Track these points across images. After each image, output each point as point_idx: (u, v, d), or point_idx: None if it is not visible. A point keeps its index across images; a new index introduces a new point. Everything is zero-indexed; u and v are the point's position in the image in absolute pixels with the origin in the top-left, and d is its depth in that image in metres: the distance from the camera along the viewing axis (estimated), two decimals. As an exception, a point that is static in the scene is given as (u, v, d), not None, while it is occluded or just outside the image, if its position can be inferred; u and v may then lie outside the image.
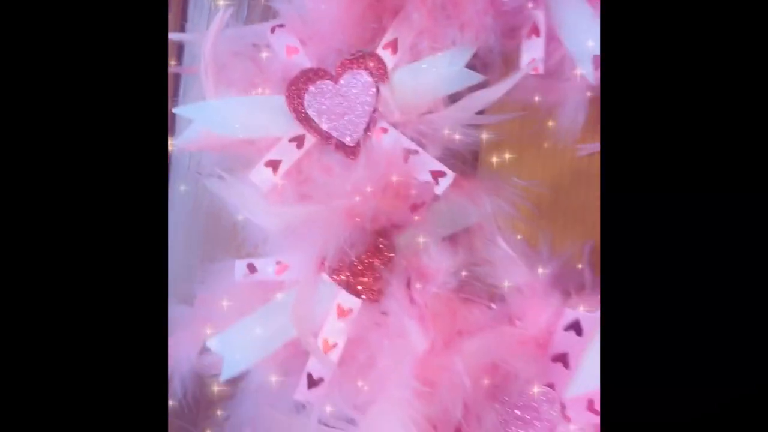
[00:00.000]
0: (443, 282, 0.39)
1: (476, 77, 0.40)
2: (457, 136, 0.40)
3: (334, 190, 0.38)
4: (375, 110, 0.41)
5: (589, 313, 0.35)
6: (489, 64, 0.42)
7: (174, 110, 0.43)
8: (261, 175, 0.40)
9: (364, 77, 0.40)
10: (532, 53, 0.41)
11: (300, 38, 0.42)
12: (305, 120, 0.41)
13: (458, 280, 0.39)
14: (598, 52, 0.39)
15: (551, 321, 0.36)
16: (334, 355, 0.39)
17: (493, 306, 0.38)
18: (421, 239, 0.39)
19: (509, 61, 0.42)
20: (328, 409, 0.39)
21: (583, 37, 0.39)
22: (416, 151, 0.39)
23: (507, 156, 0.42)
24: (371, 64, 0.40)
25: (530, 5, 0.40)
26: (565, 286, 0.38)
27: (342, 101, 0.40)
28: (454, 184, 0.41)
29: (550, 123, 0.42)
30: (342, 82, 0.41)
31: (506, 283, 0.39)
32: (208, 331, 0.42)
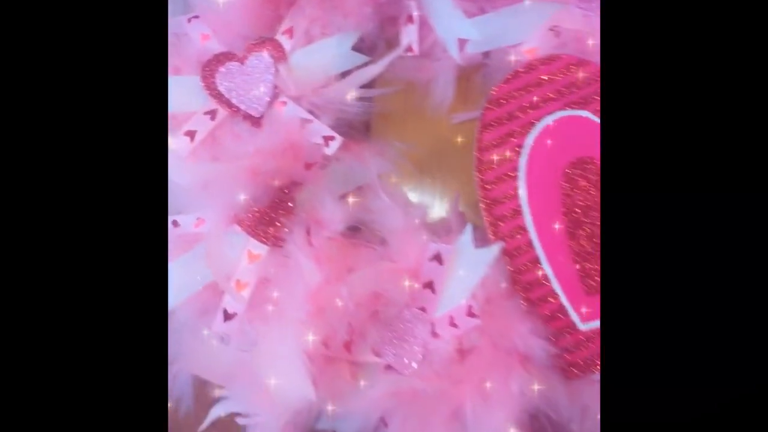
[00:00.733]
0: (336, 229, 0.46)
1: (360, 58, 0.48)
2: (347, 107, 0.48)
3: (241, 152, 0.45)
4: (276, 86, 0.47)
5: (446, 245, 0.43)
6: (374, 47, 0.50)
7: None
8: (180, 142, 0.46)
9: (266, 59, 0.47)
10: (408, 38, 0.49)
11: (212, 27, 0.49)
12: (217, 96, 0.47)
13: (348, 227, 0.47)
14: (466, 35, 0.47)
15: (420, 256, 0.44)
16: (246, 293, 0.46)
17: (376, 248, 0.46)
18: (318, 194, 0.47)
19: (391, 45, 0.50)
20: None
21: (449, 24, 0.47)
22: (310, 120, 0.46)
23: (391, 124, 0.50)
24: (271, 48, 0.47)
25: (402, -1, 0.48)
26: (434, 229, 0.46)
27: (248, 79, 0.47)
28: (347, 148, 0.48)
29: (427, 94, 0.50)
30: (247, 63, 0.48)
31: (391, 228, 0.47)
32: None
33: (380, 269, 0.44)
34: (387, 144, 0.48)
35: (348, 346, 0.44)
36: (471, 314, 0.42)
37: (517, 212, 0.44)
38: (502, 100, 0.44)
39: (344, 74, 0.48)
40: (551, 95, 0.44)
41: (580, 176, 0.43)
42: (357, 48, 0.48)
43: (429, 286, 0.44)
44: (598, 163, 0.44)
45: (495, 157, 0.44)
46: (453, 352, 0.43)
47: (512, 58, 0.46)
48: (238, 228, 0.46)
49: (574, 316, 0.43)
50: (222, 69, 0.47)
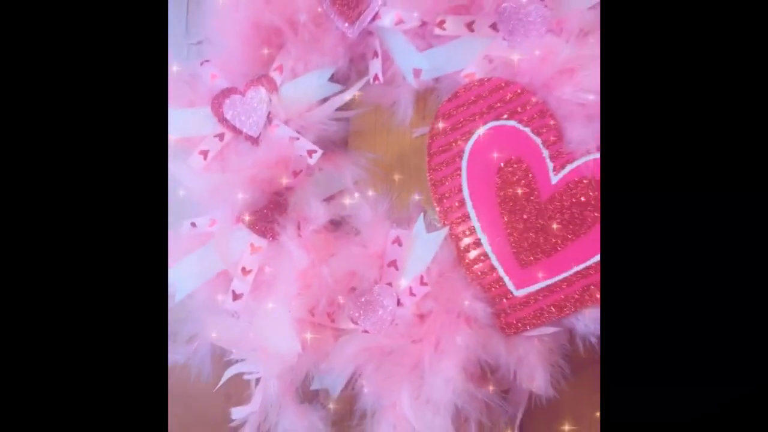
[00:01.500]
0: (320, 224, 0.56)
1: (336, 87, 0.58)
2: (327, 126, 0.59)
3: (243, 165, 0.56)
4: (270, 113, 0.58)
5: (405, 231, 0.53)
6: (347, 78, 0.60)
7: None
8: (196, 159, 0.57)
9: (262, 91, 0.58)
10: (374, 69, 0.60)
11: (219, 68, 0.59)
12: (224, 122, 0.58)
13: (329, 222, 0.57)
14: (419, 65, 0.58)
15: (385, 241, 0.55)
16: (250, 278, 0.57)
17: (352, 237, 0.57)
18: (305, 196, 0.57)
19: (361, 75, 0.60)
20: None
21: (405, 56, 0.58)
22: (297, 138, 0.57)
23: (362, 139, 0.60)
24: (266, 82, 0.58)
25: (369, 39, 0.59)
26: (396, 219, 0.57)
27: (247, 108, 0.58)
28: (327, 159, 0.58)
29: (392, 115, 0.60)
30: (247, 95, 0.58)
31: (363, 221, 0.57)
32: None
33: (355, 253, 0.55)
34: (360, 155, 0.59)
35: (330, 315, 0.55)
36: (423, 283, 0.52)
37: (461, 203, 0.54)
38: (447, 115, 0.54)
39: (324, 100, 0.58)
40: (485, 110, 0.53)
41: (511, 173, 0.53)
42: (333, 79, 0.58)
43: (393, 264, 0.54)
44: (526, 161, 0.54)
45: (442, 161, 0.54)
46: (414, 316, 0.53)
47: (455, 81, 0.56)
48: (242, 225, 0.57)
49: (509, 285, 0.53)
50: (227, 101, 0.58)
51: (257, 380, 0.55)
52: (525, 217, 0.53)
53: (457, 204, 0.54)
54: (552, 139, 0.53)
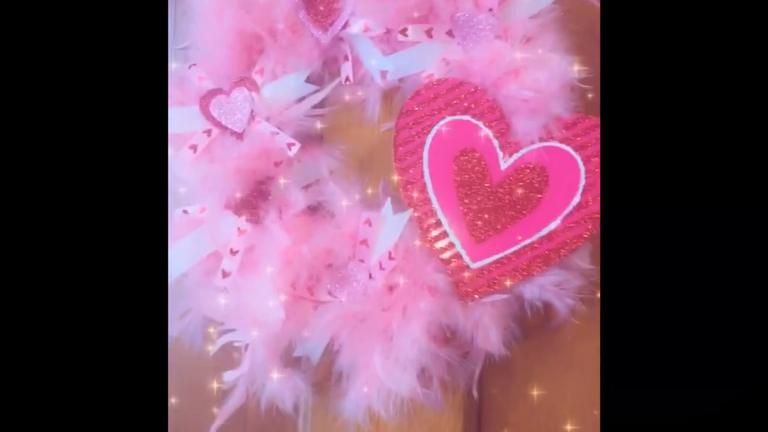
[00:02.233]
0: (299, 208, 0.63)
1: (312, 88, 0.65)
2: (304, 122, 0.66)
3: (229, 157, 0.62)
4: (252, 111, 0.64)
5: (375, 213, 0.60)
6: (321, 79, 0.67)
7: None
8: (186, 153, 0.63)
9: (245, 92, 0.64)
10: (345, 71, 0.67)
11: (205, 71, 0.65)
12: (211, 119, 0.64)
13: (308, 207, 0.64)
14: (384, 67, 0.65)
15: (357, 222, 0.62)
16: (238, 258, 0.63)
17: (328, 219, 0.64)
18: (285, 184, 0.64)
19: (334, 77, 0.67)
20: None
21: (372, 59, 0.65)
22: (277, 132, 0.63)
23: (336, 133, 0.67)
24: (248, 84, 0.64)
25: (340, 44, 0.66)
26: (367, 203, 0.63)
27: (232, 107, 0.64)
28: (305, 151, 0.65)
29: (362, 111, 0.68)
30: (232, 95, 0.64)
31: (337, 205, 0.64)
32: None
33: (331, 234, 0.61)
34: (334, 147, 0.66)
35: (310, 288, 0.61)
36: (391, 258, 0.59)
37: (423, 188, 0.61)
38: (409, 111, 0.61)
39: (301, 99, 0.65)
40: (443, 106, 0.61)
41: (466, 161, 0.61)
42: (309, 80, 0.65)
43: (364, 243, 0.61)
44: (479, 151, 0.61)
45: (407, 151, 0.62)
46: (383, 287, 0.60)
47: (417, 81, 0.63)
48: (229, 212, 0.63)
49: (466, 259, 0.60)
50: (214, 100, 0.64)
51: (245, 347, 0.61)
52: (479, 199, 0.60)
53: (419, 189, 0.61)
54: (501, 131, 0.60)
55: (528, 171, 0.60)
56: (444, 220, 0.60)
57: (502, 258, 0.60)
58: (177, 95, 0.65)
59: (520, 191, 0.60)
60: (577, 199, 0.59)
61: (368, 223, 0.60)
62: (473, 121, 0.61)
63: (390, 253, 0.59)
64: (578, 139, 0.59)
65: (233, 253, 0.62)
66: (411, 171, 0.61)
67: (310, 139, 0.66)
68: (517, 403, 0.67)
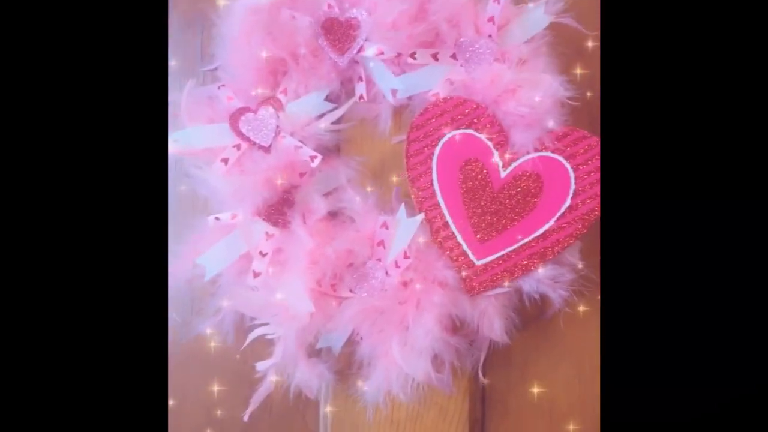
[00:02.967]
0: (321, 214, 0.70)
1: (330, 105, 0.71)
2: (324, 136, 0.73)
3: (257, 169, 0.69)
4: (277, 126, 0.70)
5: (390, 217, 0.68)
6: (338, 98, 0.73)
7: (170, 137, 0.74)
8: (218, 166, 0.69)
9: (271, 110, 0.70)
10: (360, 90, 0.74)
11: (233, 91, 0.71)
12: (240, 135, 0.69)
13: (329, 213, 0.71)
14: (395, 86, 0.72)
15: (374, 225, 0.69)
16: (267, 259, 0.69)
17: (348, 224, 0.71)
18: (309, 193, 0.71)
19: (350, 96, 0.73)
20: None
21: (384, 80, 0.72)
22: (301, 146, 0.69)
23: (353, 145, 0.74)
24: (274, 102, 0.70)
25: (356, 66, 0.73)
26: (383, 208, 0.71)
27: (259, 124, 0.70)
28: (325, 163, 0.71)
29: (375, 126, 0.75)
30: (259, 113, 0.70)
31: (353, 211, 0.70)
32: (197, 256, 0.70)
33: (351, 236, 0.68)
34: (351, 159, 0.72)
35: (333, 286, 0.68)
36: (406, 257, 0.66)
37: (433, 195, 0.68)
38: (419, 126, 0.68)
39: (320, 116, 0.71)
40: (449, 121, 0.68)
41: (470, 170, 0.68)
42: (328, 99, 0.71)
43: (381, 244, 0.68)
44: (481, 161, 0.68)
45: (417, 161, 0.69)
46: (399, 283, 0.67)
47: (425, 99, 0.70)
48: (259, 218, 0.69)
49: (471, 257, 0.67)
50: (242, 118, 0.69)
51: (277, 339, 0.68)
52: (482, 203, 0.67)
53: (429, 195, 0.68)
54: (500, 143, 0.67)
55: (525, 178, 0.67)
56: (451, 223, 0.67)
57: (503, 255, 0.67)
58: (208, 113, 0.71)
59: (517, 196, 0.67)
60: (568, 202, 0.67)
61: (385, 226, 0.67)
62: (476, 134, 0.68)
63: (405, 252, 0.66)
64: (568, 149, 0.67)
65: (263, 255, 0.69)
66: (421, 179, 0.68)
67: (329, 152, 0.72)
68: (517, 389, 0.74)
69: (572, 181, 0.66)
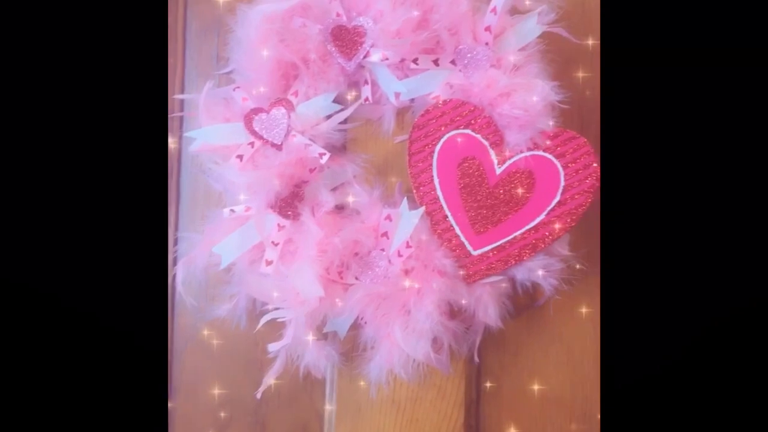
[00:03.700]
0: (329, 207, 0.74)
1: (338, 107, 0.76)
2: (332, 135, 0.77)
3: (270, 165, 0.73)
4: (289, 126, 0.75)
5: (394, 209, 0.73)
6: (345, 100, 0.78)
7: (186, 134, 0.78)
8: (234, 162, 0.74)
9: (282, 110, 0.74)
10: (366, 93, 0.79)
11: (248, 93, 0.74)
12: (254, 133, 0.73)
13: (336, 206, 0.76)
14: (398, 90, 0.77)
15: (378, 218, 0.74)
16: (278, 248, 0.75)
17: (354, 216, 0.76)
18: (317, 187, 0.76)
19: (356, 98, 0.78)
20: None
21: (388, 83, 0.77)
22: (310, 144, 0.73)
23: (358, 144, 0.79)
24: (285, 104, 0.74)
25: (362, 71, 0.78)
26: (386, 202, 0.76)
27: (272, 123, 0.74)
28: (333, 160, 0.75)
29: (379, 126, 0.80)
30: (271, 113, 0.73)
31: (359, 204, 0.75)
32: (213, 245, 0.75)
33: (357, 228, 0.73)
34: (357, 156, 0.76)
35: (340, 273, 0.73)
36: (408, 247, 0.72)
37: (432, 189, 0.73)
38: (421, 126, 0.73)
39: (329, 116, 0.74)
40: (448, 122, 0.73)
41: (467, 167, 0.73)
42: (336, 101, 0.74)
43: (385, 235, 0.73)
44: (478, 159, 0.74)
45: (419, 159, 0.74)
46: (401, 271, 0.72)
47: (426, 101, 0.75)
48: (271, 210, 0.74)
49: (468, 247, 0.72)
50: (256, 117, 0.73)
51: (289, 322, 0.73)
52: (478, 198, 0.72)
53: (429, 190, 0.73)
54: (496, 142, 0.73)
55: (518, 175, 0.72)
56: (450, 216, 0.72)
57: (498, 246, 0.72)
58: (224, 113, 0.75)
59: (512, 192, 0.73)
60: (558, 197, 0.72)
61: (388, 218, 0.72)
62: (473, 134, 0.73)
63: (407, 243, 0.71)
64: (558, 148, 0.72)
65: (275, 244, 0.73)
66: (422, 175, 0.73)
67: (336, 150, 0.77)
68: (510, 371, 0.79)
69: (562, 178, 0.72)
